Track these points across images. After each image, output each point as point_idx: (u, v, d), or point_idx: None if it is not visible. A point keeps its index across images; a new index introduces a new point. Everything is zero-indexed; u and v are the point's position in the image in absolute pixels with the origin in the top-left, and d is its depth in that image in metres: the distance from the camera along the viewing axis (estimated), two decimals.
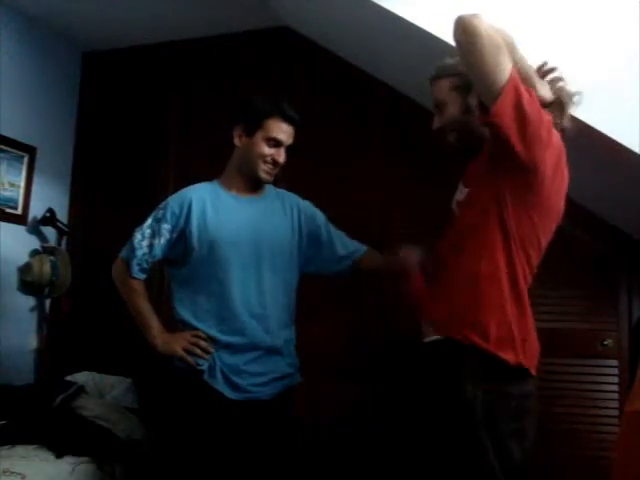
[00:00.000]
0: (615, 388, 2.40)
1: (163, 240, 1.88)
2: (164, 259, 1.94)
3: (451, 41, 1.96)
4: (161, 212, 1.90)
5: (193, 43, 3.21)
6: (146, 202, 3.23)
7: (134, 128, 3.31)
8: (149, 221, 1.91)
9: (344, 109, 2.92)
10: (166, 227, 1.87)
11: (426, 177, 2.74)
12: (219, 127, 3.03)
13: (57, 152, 3.31)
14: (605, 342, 2.43)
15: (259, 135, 1.86)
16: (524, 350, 1.39)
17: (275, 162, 1.88)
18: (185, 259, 1.89)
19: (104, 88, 3.41)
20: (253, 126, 1.87)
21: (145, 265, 1.90)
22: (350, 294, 2.74)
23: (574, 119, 1.60)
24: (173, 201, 1.91)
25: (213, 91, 3.14)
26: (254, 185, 1.94)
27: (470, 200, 1.52)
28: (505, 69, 1.29)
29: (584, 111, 1.76)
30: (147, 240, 1.88)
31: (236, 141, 1.91)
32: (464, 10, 1.99)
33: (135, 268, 1.89)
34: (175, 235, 1.88)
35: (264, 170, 1.89)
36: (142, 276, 1.92)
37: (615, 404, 2.38)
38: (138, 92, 3.34)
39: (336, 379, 2.67)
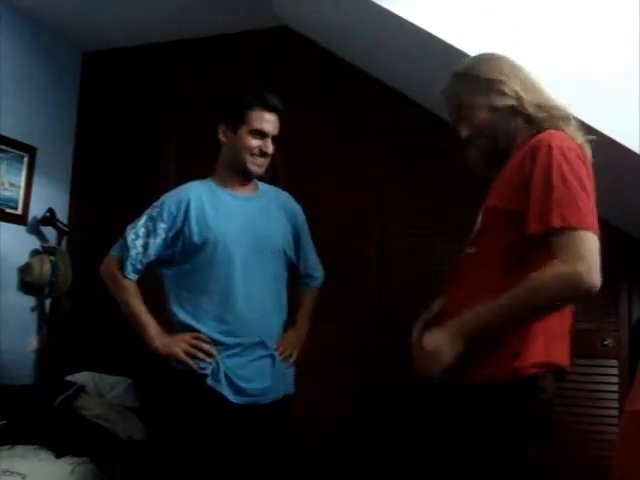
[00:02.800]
0: (615, 388, 2.40)
1: (159, 240, 1.84)
2: (159, 259, 1.88)
3: (451, 41, 1.98)
4: (157, 211, 1.86)
5: (193, 43, 3.21)
6: (146, 202, 3.23)
7: (134, 128, 3.31)
8: (143, 219, 1.86)
9: (344, 109, 2.92)
10: (162, 226, 1.83)
11: (425, 177, 2.74)
12: (218, 127, 3.05)
13: (57, 152, 3.31)
14: (605, 342, 2.43)
15: (243, 129, 1.85)
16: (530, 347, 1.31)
17: (263, 153, 1.86)
18: (183, 259, 1.85)
19: (104, 88, 3.41)
20: (236, 121, 1.85)
21: (139, 266, 1.85)
22: (352, 296, 2.74)
23: (574, 119, 1.60)
24: (170, 199, 1.87)
25: (213, 91, 3.14)
26: (246, 180, 1.93)
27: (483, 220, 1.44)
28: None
29: (584, 111, 1.76)
30: (142, 239, 1.84)
31: (221, 138, 1.90)
32: (464, 11, 2.00)
33: (129, 268, 1.84)
34: (171, 235, 1.84)
35: (253, 163, 1.87)
36: (135, 277, 1.87)
37: (615, 404, 2.38)
38: (138, 92, 3.34)
39: (336, 382, 2.67)
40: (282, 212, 1.99)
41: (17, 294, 3.03)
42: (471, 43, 1.93)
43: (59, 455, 2.23)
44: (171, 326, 1.87)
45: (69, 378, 2.79)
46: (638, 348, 2.32)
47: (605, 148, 1.74)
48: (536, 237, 1.26)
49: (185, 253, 1.85)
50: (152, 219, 1.85)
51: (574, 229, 1.21)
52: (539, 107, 1.38)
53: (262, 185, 2.01)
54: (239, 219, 1.88)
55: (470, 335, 1.29)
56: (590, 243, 1.21)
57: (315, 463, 2.55)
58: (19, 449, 2.24)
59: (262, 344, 1.85)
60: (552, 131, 1.34)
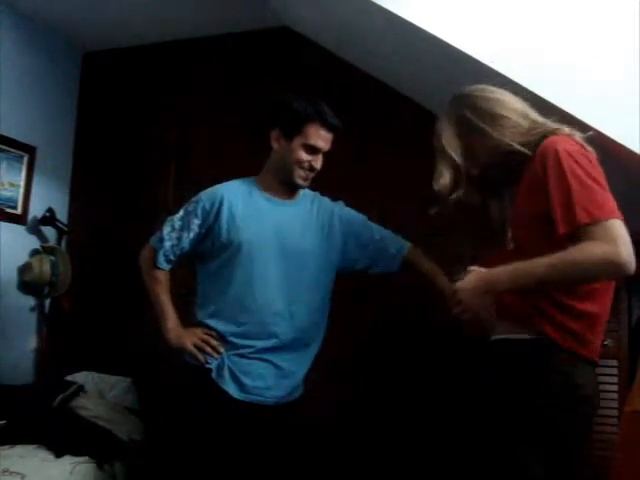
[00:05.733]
0: (615, 388, 2.39)
1: (192, 234, 1.89)
2: (192, 253, 1.94)
3: (451, 41, 1.98)
4: (192, 206, 1.90)
5: (193, 43, 3.21)
6: (146, 202, 3.25)
7: (134, 128, 3.30)
8: (180, 213, 1.92)
9: (344, 109, 2.90)
10: (196, 222, 1.88)
11: (426, 177, 2.73)
12: (219, 127, 3.06)
13: (57, 152, 3.31)
14: (605, 342, 2.43)
15: (297, 141, 1.83)
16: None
17: (312, 168, 1.87)
18: (212, 256, 1.90)
19: (104, 88, 3.41)
20: (292, 130, 1.84)
21: (172, 257, 1.92)
22: (356, 294, 2.74)
23: (574, 119, 1.60)
24: (205, 196, 1.91)
25: (213, 91, 3.14)
26: (289, 189, 1.94)
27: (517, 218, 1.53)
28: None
29: (585, 111, 1.76)
30: (176, 232, 1.90)
31: (274, 144, 1.89)
32: (464, 11, 2.00)
33: (161, 258, 1.91)
34: (204, 231, 1.89)
35: (300, 176, 1.87)
36: (167, 267, 1.94)
37: (615, 404, 2.37)
38: (138, 92, 3.34)
39: (336, 368, 2.67)
40: (321, 218, 1.99)
41: (17, 294, 3.03)
42: (472, 43, 1.93)
43: (59, 455, 2.23)
44: (194, 321, 1.93)
45: (69, 378, 2.79)
46: (638, 348, 2.32)
47: (605, 148, 1.74)
48: (565, 239, 1.30)
49: (214, 251, 1.89)
50: (188, 214, 1.91)
51: (602, 221, 1.27)
52: (531, 128, 1.46)
53: (303, 190, 2.00)
54: (271, 224, 1.88)
55: (503, 287, 1.37)
56: (620, 229, 1.27)
57: (314, 445, 2.53)
58: (19, 449, 2.24)
59: (274, 346, 1.84)
60: (553, 137, 1.40)
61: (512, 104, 1.50)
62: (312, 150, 1.84)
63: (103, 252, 3.17)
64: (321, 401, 2.60)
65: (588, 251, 1.26)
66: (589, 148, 1.41)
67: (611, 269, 1.26)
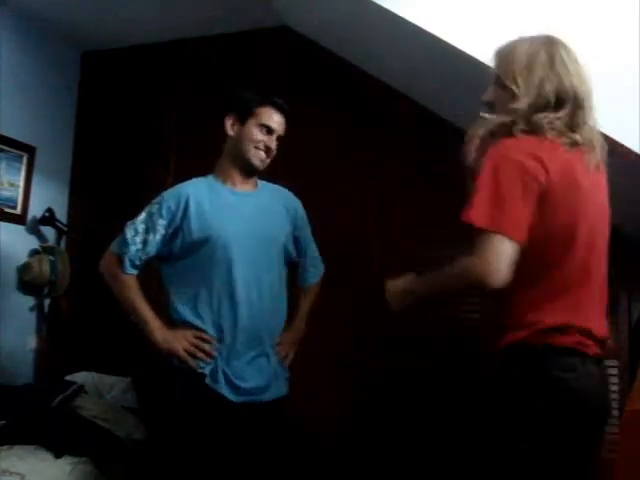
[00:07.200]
0: (615, 388, 2.39)
1: (158, 236, 1.84)
2: (158, 256, 1.89)
3: (450, 40, 1.98)
4: (156, 207, 1.86)
5: (193, 43, 3.21)
6: (145, 201, 3.23)
7: (133, 128, 3.30)
8: (142, 216, 1.87)
9: (343, 108, 2.92)
10: (162, 222, 1.84)
11: (424, 175, 2.74)
12: (218, 127, 3.05)
13: (56, 152, 3.30)
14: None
15: (251, 122, 1.89)
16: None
17: (267, 149, 1.90)
18: (182, 255, 1.86)
19: (103, 88, 3.41)
20: (245, 114, 1.89)
21: (138, 262, 1.86)
22: (356, 295, 2.74)
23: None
24: (169, 196, 1.88)
25: (212, 91, 3.14)
26: (247, 174, 1.94)
27: None
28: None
29: None
30: (141, 236, 1.84)
31: (228, 129, 1.92)
32: (464, 10, 2.00)
33: (128, 264, 1.85)
34: (170, 231, 1.85)
35: (256, 156, 1.89)
36: (135, 272, 1.87)
37: (615, 404, 2.37)
38: (137, 92, 3.34)
39: (336, 366, 2.67)
40: (283, 208, 2.01)
41: (16, 294, 3.03)
42: (471, 42, 1.94)
43: (58, 455, 2.22)
44: (172, 322, 1.87)
45: (68, 378, 2.79)
46: (638, 348, 2.32)
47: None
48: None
49: (184, 249, 1.85)
50: (151, 215, 1.86)
51: (485, 229, 1.28)
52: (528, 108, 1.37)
53: (262, 182, 2.03)
54: (239, 215, 1.88)
55: (413, 296, 1.53)
56: (495, 245, 1.27)
57: (315, 447, 2.54)
58: (18, 449, 2.23)
59: (259, 339, 1.85)
60: (505, 140, 1.34)
61: (535, 67, 1.39)
62: (266, 130, 1.89)
63: (102, 252, 3.15)
64: (321, 401, 2.61)
65: (457, 265, 1.34)
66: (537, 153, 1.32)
67: (464, 284, 1.36)
